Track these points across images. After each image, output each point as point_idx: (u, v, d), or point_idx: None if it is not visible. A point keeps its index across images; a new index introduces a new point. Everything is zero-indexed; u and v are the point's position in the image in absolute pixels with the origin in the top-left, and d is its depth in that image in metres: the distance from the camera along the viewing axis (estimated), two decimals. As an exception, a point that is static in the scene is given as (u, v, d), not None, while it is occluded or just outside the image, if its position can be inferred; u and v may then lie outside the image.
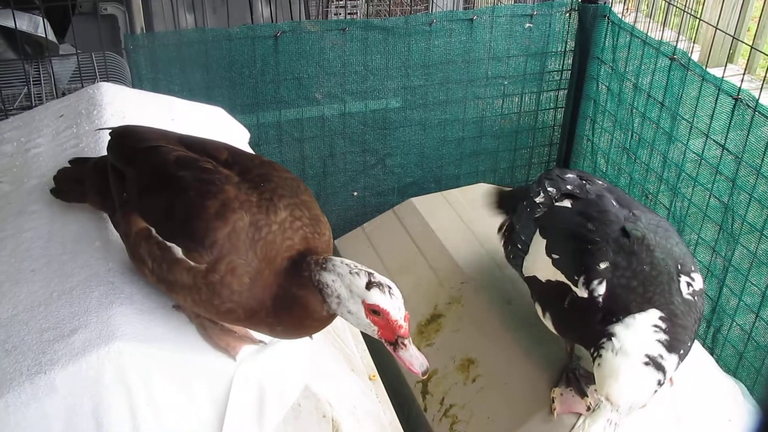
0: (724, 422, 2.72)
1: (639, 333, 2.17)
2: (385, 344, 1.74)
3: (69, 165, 2.27)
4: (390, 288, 1.71)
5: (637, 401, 2.14)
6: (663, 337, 2.16)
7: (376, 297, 1.69)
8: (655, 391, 2.15)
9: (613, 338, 2.18)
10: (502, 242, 2.85)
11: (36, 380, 1.73)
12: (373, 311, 1.69)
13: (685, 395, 2.64)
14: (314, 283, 1.72)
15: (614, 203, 2.48)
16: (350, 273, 1.71)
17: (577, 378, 2.59)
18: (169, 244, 1.78)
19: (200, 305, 1.79)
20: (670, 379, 2.62)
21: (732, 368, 3.16)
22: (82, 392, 1.75)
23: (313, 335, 1.91)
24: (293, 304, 1.75)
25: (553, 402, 2.56)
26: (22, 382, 1.73)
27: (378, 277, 1.72)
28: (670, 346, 2.16)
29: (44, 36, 3.59)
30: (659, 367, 2.14)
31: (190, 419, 1.87)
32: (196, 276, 1.74)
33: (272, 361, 1.95)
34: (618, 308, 2.23)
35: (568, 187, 2.60)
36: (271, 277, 1.75)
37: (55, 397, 1.73)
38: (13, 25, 3.47)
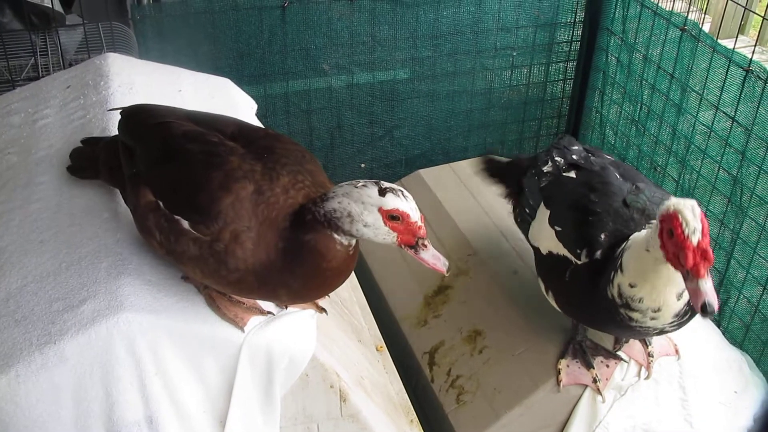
0: (731, 394, 2.73)
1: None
2: (406, 249, 1.73)
3: (82, 145, 2.28)
4: (402, 191, 1.69)
5: None
6: None
7: (393, 201, 1.67)
8: None
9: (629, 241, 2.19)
10: (511, 204, 2.86)
11: (46, 350, 1.74)
12: (392, 217, 1.67)
13: (692, 367, 2.65)
14: (321, 220, 1.71)
15: (618, 176, 2.47)
16: (356, 187, 1.69)
17: (584, 350, 2.60)
18: (176, 217, 1.78)
19: (209, 276, 1.80)
20: (676, 350, 2.64)
21: (739, 340, 3.16)
22: (91, 362, 1.77)
23: (335, 288, 1.88)
24: (302, 250, 1.73)
25: (560, 373, 2.57)
26: (32, 352, 1.74)
27: (387, 183, 1.70)
28: None
29: (51, 6, 3.57)
30: None
31: (198, 390, 1.89)
32: (202, 247, 1.75)
33: (280, 332, 1.96)
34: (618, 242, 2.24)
35: (574, 157, 2.60)
36: (274, 235, 1.74)
37: (64, 367, 1.75)
38: (20, -5, 3.46)
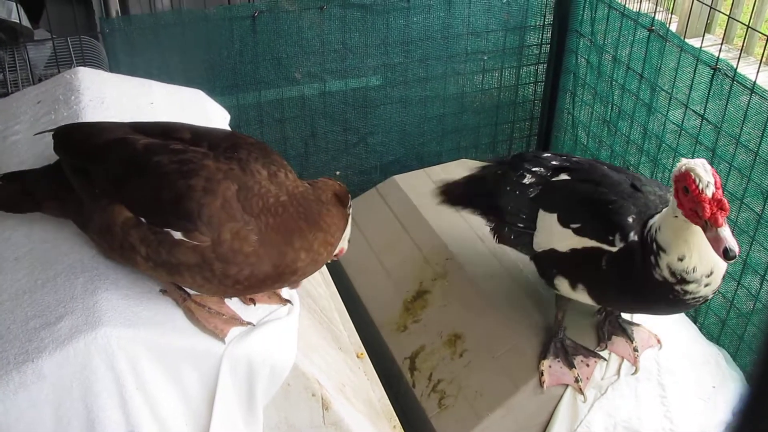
0: (709, 389, 2.76)
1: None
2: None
3: (1, 182, 2.08)
4: None
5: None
6: None
7: None
8: None
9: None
10: (491, 226, 2.81)
11: (24, 368, 1.72)
12: None
13: (670, 363, 2.67)
14: None
15: (608, 169, 2.53)
16: None
17: (565, 349, 2.61)
18: (165, 230, 1.77)
19: (213, 281, 1.80)
20: (658, 339, 2.66)
21: (715, 336, 3.20)
22: (70, 379, 1.75)
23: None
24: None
25: (542, 374, 2.58)
26: (9, 370, 1.72)
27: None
28: None
29: (18, 21, 3.54)
30: None
31: (179, 403, 1.88)
32: (204, 252, 1.75)
33: (260, 342, 1.96)
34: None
35: (554, 162, 2.61)
36: (287, 216, 1.83)
37: (43, 384, 1.73)
38: (-14, 11, 3.42)
